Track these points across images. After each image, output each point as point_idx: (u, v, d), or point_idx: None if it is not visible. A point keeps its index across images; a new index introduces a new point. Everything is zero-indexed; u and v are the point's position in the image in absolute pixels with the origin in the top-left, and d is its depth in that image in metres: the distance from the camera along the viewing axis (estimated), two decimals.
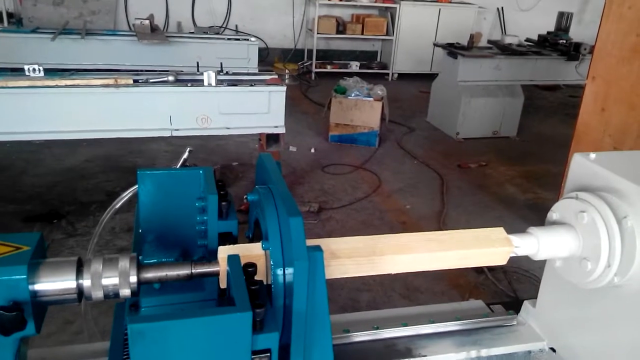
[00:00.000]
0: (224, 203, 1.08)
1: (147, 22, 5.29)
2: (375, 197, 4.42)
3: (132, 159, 4.85)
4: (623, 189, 1.14)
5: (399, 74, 8.45)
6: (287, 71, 7.87)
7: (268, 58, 8.24)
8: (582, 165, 1.27)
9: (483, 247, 1.10)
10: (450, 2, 8.38)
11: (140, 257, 1.20)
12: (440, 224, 4.02)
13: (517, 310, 1.54)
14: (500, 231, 1.14)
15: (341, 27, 8.17)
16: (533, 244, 1.14)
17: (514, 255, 1.14)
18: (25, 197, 3.95)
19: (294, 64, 8.09)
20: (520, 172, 5.14)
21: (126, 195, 1.18)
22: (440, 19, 8.24)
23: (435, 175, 4.93)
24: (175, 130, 3.62)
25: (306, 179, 4.70)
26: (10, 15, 7.24)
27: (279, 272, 0.85)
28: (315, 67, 8.16)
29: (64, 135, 3.44)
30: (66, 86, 3.34)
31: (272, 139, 3.90)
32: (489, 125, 5.98)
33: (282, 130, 3.82)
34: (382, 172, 4.92)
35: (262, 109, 3.73)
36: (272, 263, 0.87)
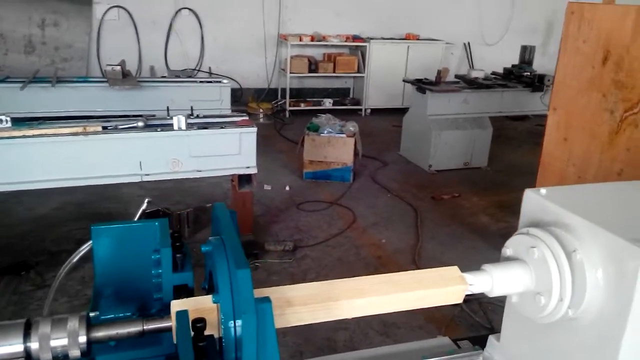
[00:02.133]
0: (178, 255, 1.08)
1: (118, 67, 5.33)
2: (350, 233, 4.43)
3: (105, 205, 4.80)
4: (571, 223, 1.17)
5: (371, 109, 8.60)
6: (261, 110, 7.96)
7: (242, 98, 8.32)
8: (533, 200, 1.30)
9: (438, 287, 1.12)
10: (418, 40, 8.62)
11: (97, 313, 1.20)
12: (415, 256, 4.04)
13: (483, 345, 1.54)
14: (454, 270, 1.15)
15: (313, 66, 8.33)
16: (487, 280, 1.15)
17: (469, 293, 1.15)
18: None
19: (268, 103, 8.19)
20: (493, 201, 5.21)
21: (79, 252, 1.17)
22: (409, 55, 8.46)
23: (409, 208, 4.97)
24: (146, 175, 3.62)
25: (281, 217, 4.70)
26: None
27: (230, 325, 0.85)
28: (289, 106, 8.27)
29: (33, 185, 3.41)
30: (33, 136, 3.33)
31: (245, 179, 3.91)
32: (460, 156, 6.09)
33: (254, 171, 3.84)
34: (357, 207, 4.95)
35: (233, 151, 3.75)
36: (222, 316, 0.87)
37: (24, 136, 3.32)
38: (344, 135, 5.46)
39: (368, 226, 4.59)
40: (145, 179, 3.64)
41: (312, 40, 8.19)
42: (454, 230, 4.57)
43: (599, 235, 1.11)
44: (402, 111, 7.10)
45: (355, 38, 8.44)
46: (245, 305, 0.80)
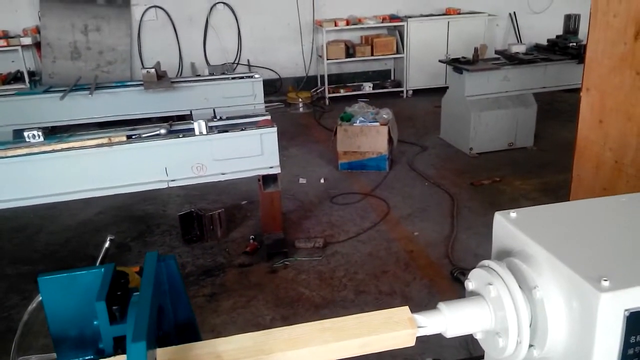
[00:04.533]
0: (115, 307, 1.07)
1: (152, 70, 5.43)
2: (383, 226, 4.35)
3: (144, 207, 4.94)
4: (534, 255, 1.07)
5: (413, 90, 8.36)
6: (300, 100, 7.92)
7: (282, 88, 8.32)
8: (502, 225, 1.21)
9: (384, 332, 1.05)
10: (459, 14, 8.27)
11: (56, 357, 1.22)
12: (449, 249, 3.91)
13: None
14: (404, 311, 1.08)
15: (351, 50, 8.17)
16: (440, 321, 1.07)
17: (421, 335, 1.08)
18: (39, 257, 4.08)
19: (307, 91, 8.13)
20: (536, 185, 4.96)
21: (32, 306, 1.19)
22: (450, 31, 8.13)
23: (447, 197, 4.81)
24: (172, 181, 3.69)
25: (314, 212, 4.67)
26: (32, 73, 7.59)
27: None
28: (329, 92, 8.18)
29: (64, 197, 3.57)
30: (62, 150, 3.45)
31: (270, 179, 3.91)
32: (503, 137, 5.82)
33: (277, 171, 3.83)
34: (391, 197, 4.85)
35: (255, 152, 3.75)
36: None
37: (53, 150, 3.46)
38: (377, 124, 5.34)
39: (402, 218, 4.48)
40: (172, 184, 3.72)
41: (348, 24, 8.02)
42: (491, 219, 4.35)
43: (559, 270, 1.01)
44: (445, 90, 6.86)
45: (392, 18, 8.20)
46: None
